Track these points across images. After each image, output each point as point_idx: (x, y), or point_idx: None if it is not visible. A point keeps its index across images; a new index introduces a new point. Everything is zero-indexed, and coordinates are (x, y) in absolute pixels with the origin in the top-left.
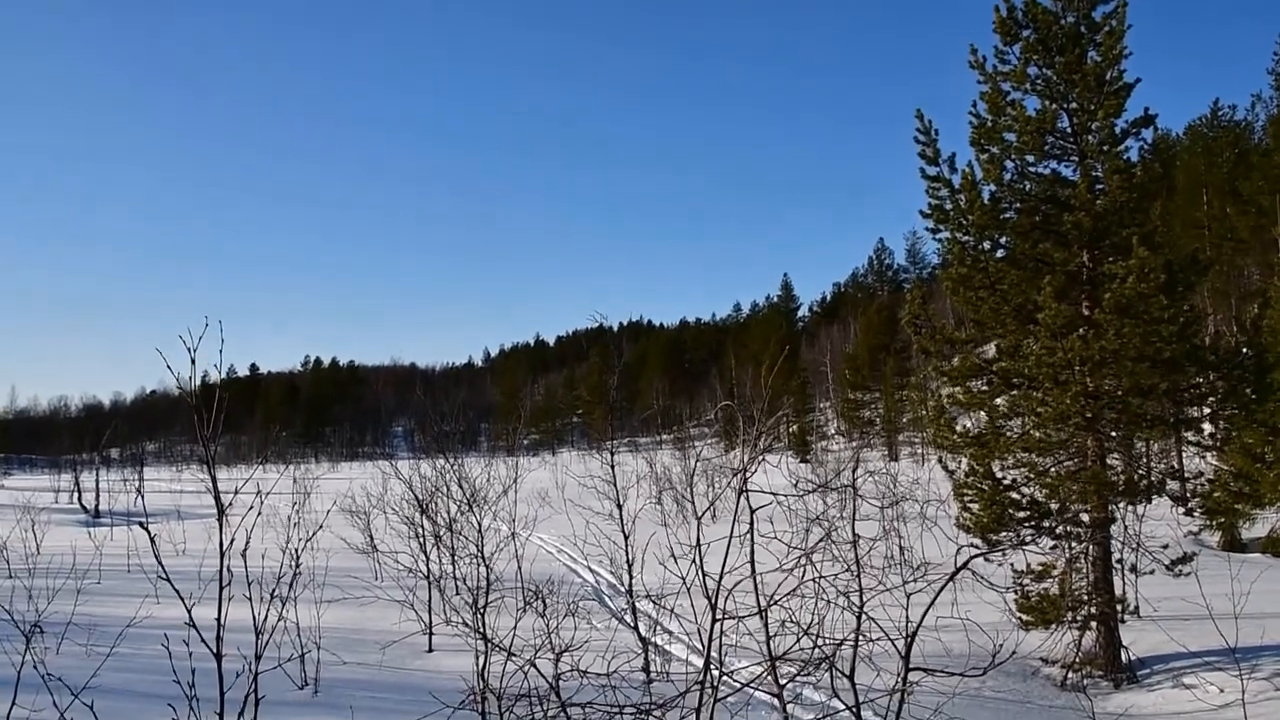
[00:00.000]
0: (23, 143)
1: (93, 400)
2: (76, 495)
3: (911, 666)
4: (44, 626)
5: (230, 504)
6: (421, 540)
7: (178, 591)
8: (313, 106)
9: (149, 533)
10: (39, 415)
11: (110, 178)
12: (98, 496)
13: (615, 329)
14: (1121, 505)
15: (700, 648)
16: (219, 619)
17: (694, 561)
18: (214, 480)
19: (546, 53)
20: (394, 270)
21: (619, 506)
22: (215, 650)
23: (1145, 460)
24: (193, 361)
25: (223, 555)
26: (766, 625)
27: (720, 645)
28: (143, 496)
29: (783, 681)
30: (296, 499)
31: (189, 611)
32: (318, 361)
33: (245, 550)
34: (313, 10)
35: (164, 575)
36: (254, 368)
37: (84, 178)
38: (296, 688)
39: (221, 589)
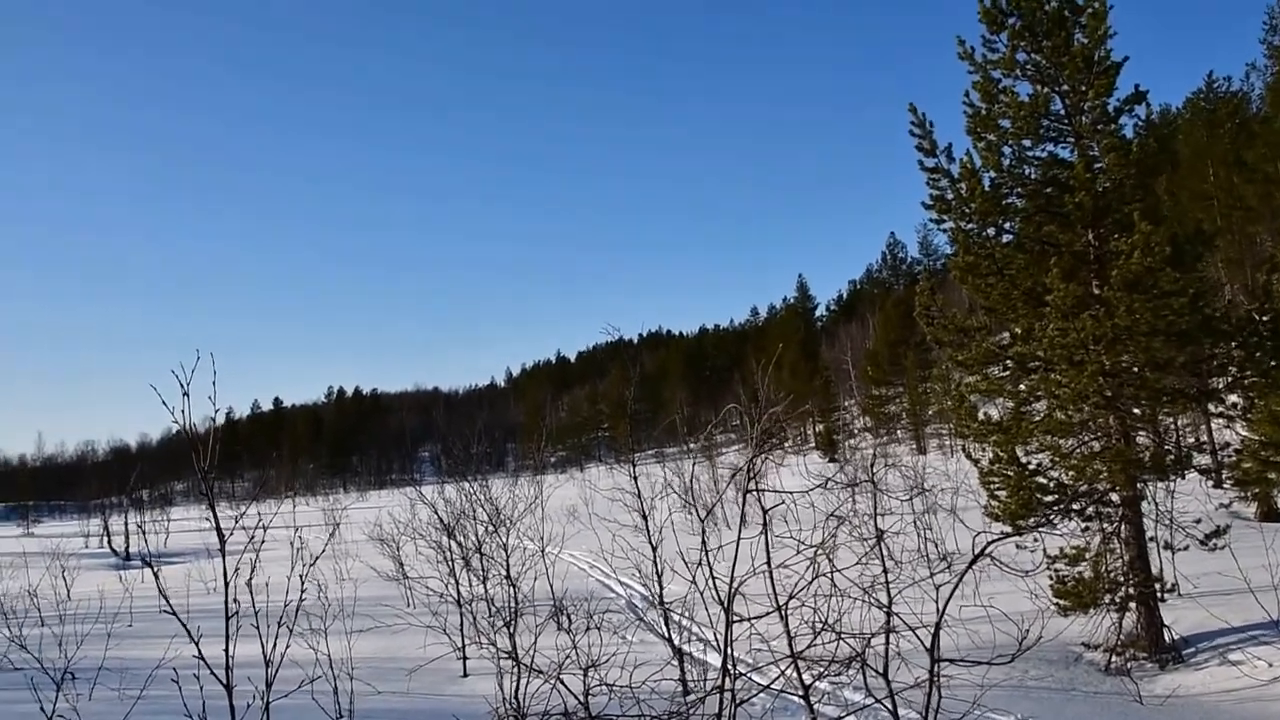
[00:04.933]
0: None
1: (119, 443)
2: (106, 539)
3: (939, 658)
4: (75, 673)
5: (230, 533)
6: (450, 564)
7: (184, 625)
8: (327, 124)
9: (154, 571)
10: (66, 461)
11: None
12: (127, 539)
13: (634, 341)
14: (1150, 482)
15: (738, 654)
16: (226, 650)
17: (700, 564)
18: (213, 509)
19: (553, 66)
20: (413, 296)
21: (644, 518)
22: (225, 682)
23: (1173, 435)
24: (186, 394)
25: (228, 585)
26: (786, 624)
27: (733, 648)
28: (152, 539)
29: (809, 680)
30: (325, 530)
31: (197, 644)
32: (340, 392)
33: (250, 580)
34: (324, 21)
35: (170, 610)
36: (278, 402)
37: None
38: None
39: (228, 619)
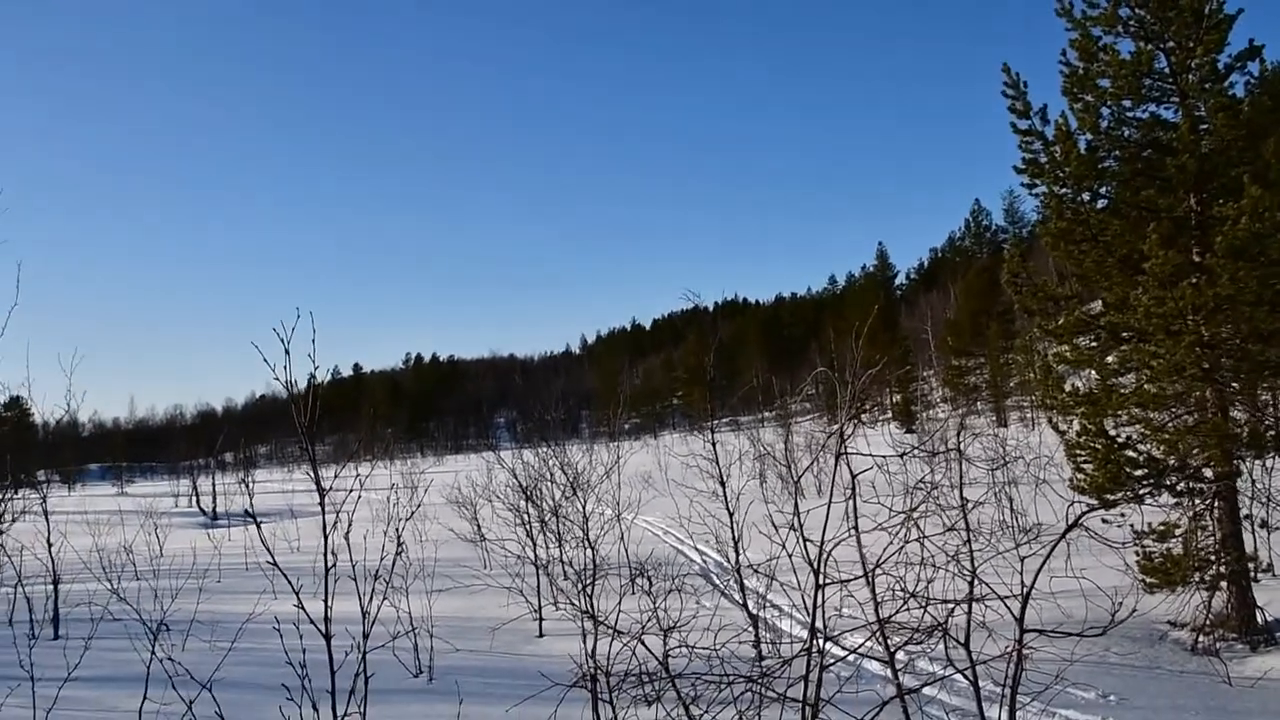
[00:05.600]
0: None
1: (206, 407)
2: (194, 499)
3: (1026, 629)
4: (169, 624)
5: (330, 488)
6: (528, 527)
7: (288, 578)
8: (407, 100)
9: (259, 525)
10: (156, 424)
11: (191, 183)
12: (214, 499)
13: (710, 309)
14: (1247, 458)
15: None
16: (325, 600)
17: (793, 529)
18: (314, 463)
19: (635, 30)
20: (490, 261)
21: (722, 485)
22: (325, 632)
23: (1272, 410)
24: (287, 352)
25: (326, 538)
26: (874, 590)
27: (824, 613)
28: (251, 498)
29: (892, 649)
30: (404, 492)
31: (298, 595)
32: (419, 358)
33: (349, 533)
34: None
35: (273, 563)
36: (357, 368)
37: (174, 185)
38: (411, 675)
39: (327, 571)
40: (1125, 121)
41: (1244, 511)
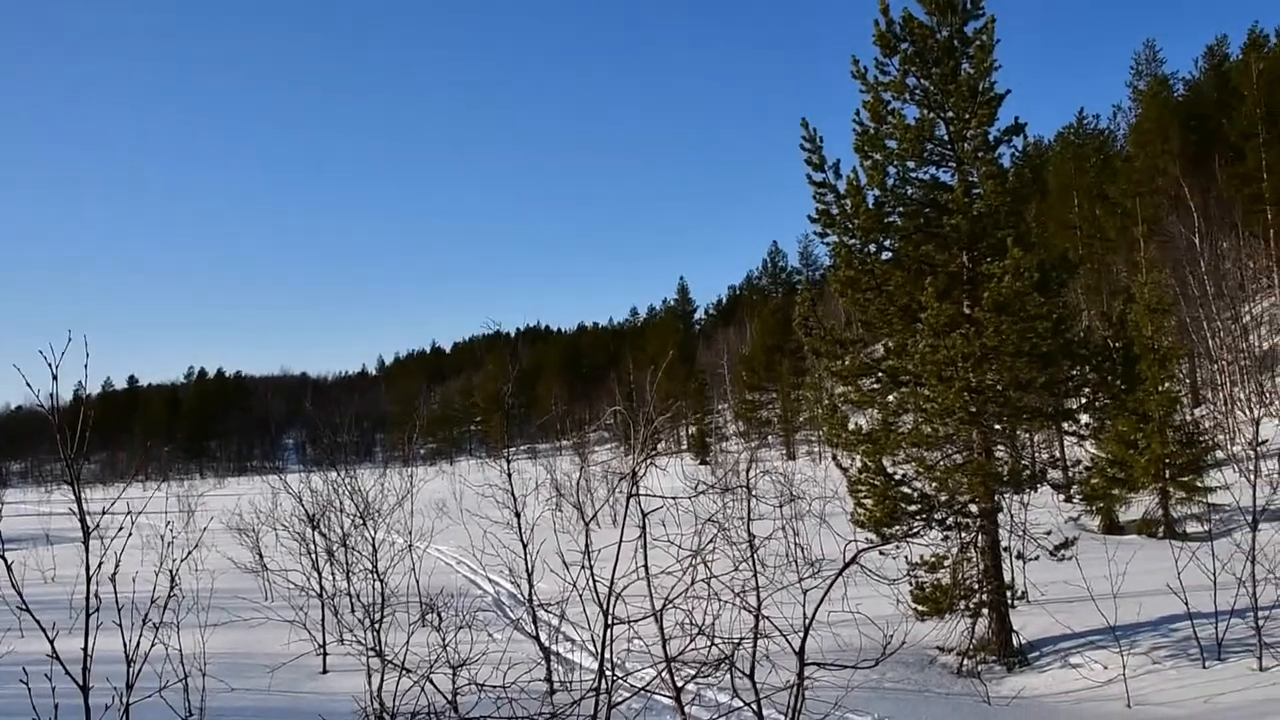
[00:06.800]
0: None
1: None
2: None
3: (806, 661)
4: None
5: (96, 525)
6: (314, 557)
7: (38, 622)
8: (196, 103)
9: (5, 560)
10: None
11: None
12: None
13: (512, 335)
14: (1007, 495)
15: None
16: (85, 648)
17: (583, 567)
18: (79, 500)
19: (456, 46)
20: (281, 277)
21: (517, 515)
22: (81, 683)
23: (1029, 451)
24: (54, 378)
25: (90, 579)
26: (661, 628)
27: (613, 650)
28: None
29: (680, 683)
30: (179, 517)
31: (51, 643)
32: (202, 372)
33: (115, 574)
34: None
35: (24, 605)
36: (132, 380)
37: None
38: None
39: (89, 616)
40: (909, 181)
41: (1003, 544)
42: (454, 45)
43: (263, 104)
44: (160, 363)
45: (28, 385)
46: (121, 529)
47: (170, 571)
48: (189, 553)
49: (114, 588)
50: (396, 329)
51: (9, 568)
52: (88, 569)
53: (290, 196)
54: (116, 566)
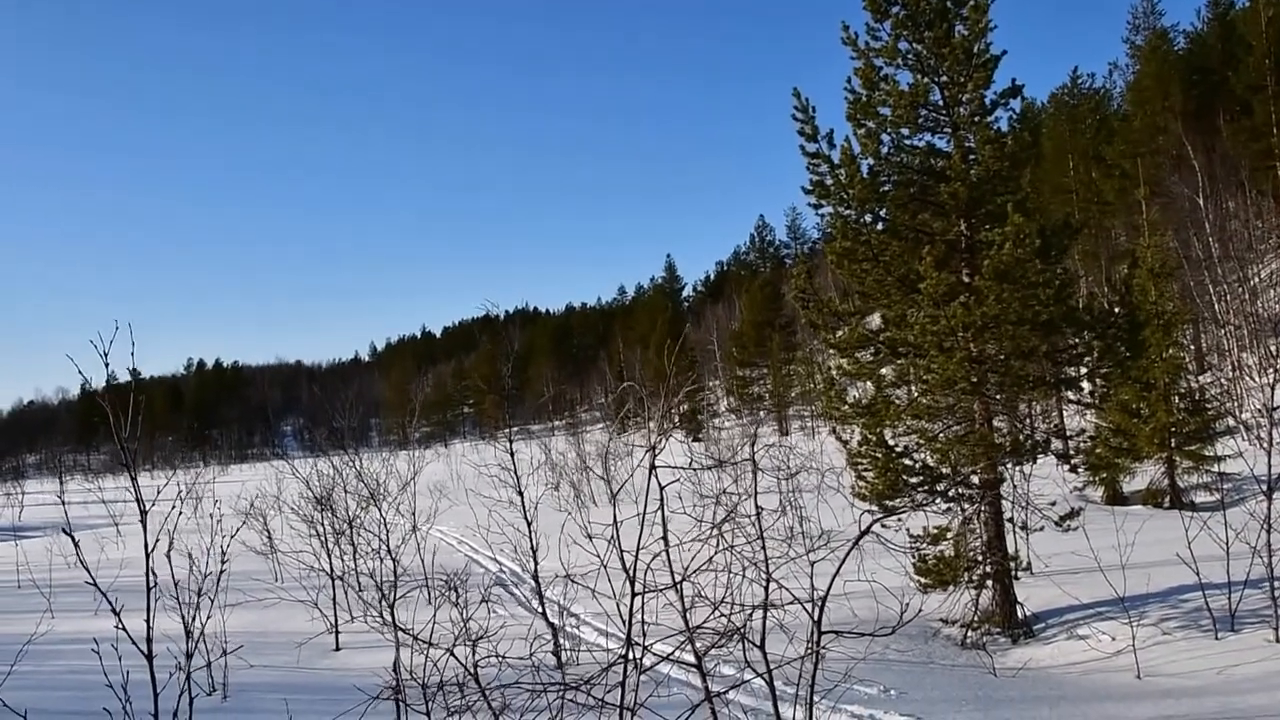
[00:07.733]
0: None
1: None
2: None
3: (823, 630)
4: None
5: (152, 504)
6: (323, 538)
7: (110, 603)
8: (181, 99)
9: (74, 540)
10: None
11: None
12: None
13: (502, 317)
14: (1009, 465)
15: (613, 629)
16: (148, 621)
17: (610, 540)
18: (135, 482)
19: (430, 36)
20: (275, 268)
21: (520, 494)
22: (147, 652)
23: (1030, 421)
24: (106, 364)
25: (148, 556)
26: (682, 598)
27: (636, 620)
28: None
29: (702, 651)
30: (191, 503)
31: (119, 619)
32: (201, 364)
33: (169, 551)
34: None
35: (93, 582)
36: (135, 373)
37: None
38: (205, 694)
39: (149, 591)
40: (904, 148)
41: (1007, 515)
42: (426, 31)
43: (256, 101)
44: (158, 354)
45: (80, 373)
46: (174, 509)
47: (189, 554)
48: (236, 529)
49: (169, 565)
50: (387, 315)
51: (76, 545)
52: (146, 547)
53: (280, 190)
54: (171, 545)
